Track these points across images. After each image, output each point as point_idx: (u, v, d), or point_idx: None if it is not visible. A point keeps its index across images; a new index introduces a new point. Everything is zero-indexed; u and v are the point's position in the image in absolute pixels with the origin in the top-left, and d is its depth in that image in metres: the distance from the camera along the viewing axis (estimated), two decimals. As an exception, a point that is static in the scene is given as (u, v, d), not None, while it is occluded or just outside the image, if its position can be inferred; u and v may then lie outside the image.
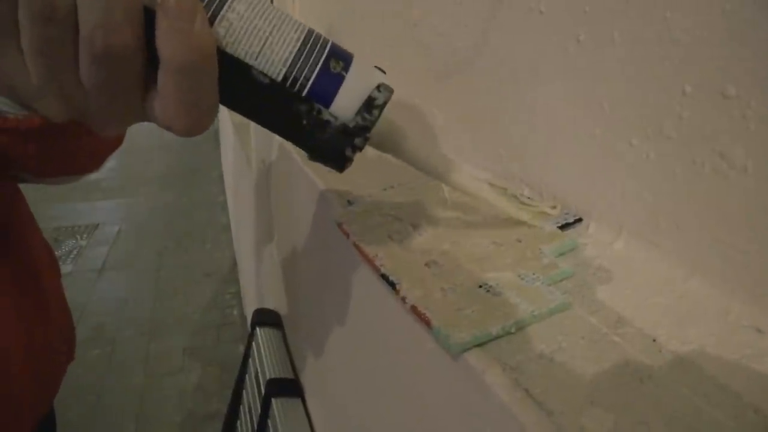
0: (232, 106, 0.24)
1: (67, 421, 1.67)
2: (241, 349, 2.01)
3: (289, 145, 0.66)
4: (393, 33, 0.59)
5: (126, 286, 2.53)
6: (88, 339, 2.11)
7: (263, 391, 0.73)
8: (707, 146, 0.25)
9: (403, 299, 0.29)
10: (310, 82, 0.23)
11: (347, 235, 0.37)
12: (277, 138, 0.78)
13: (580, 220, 0.35)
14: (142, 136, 4.89)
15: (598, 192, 0.33)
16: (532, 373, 0.23)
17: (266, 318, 0.89)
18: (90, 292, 2.45)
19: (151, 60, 0.20)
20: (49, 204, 3.39)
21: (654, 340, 0.24)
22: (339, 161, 0.25)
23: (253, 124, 0.82)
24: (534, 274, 0.29)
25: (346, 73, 0.23)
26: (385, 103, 0.24)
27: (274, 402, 0.69)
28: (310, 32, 0.23)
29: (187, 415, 1.76)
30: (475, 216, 0.37)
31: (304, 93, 0.23)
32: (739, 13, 0.23)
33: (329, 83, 0.23)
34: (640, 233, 0.30)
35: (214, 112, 0.22)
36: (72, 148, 0.41)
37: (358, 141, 0.24)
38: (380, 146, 0.27)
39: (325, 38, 0.24)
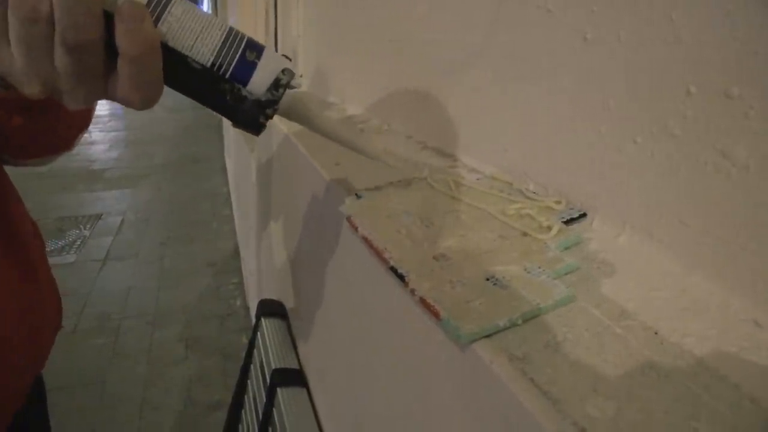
0: (175, 87, 0.30)
1: (71, 409, 1.69)
2: (244, 339, 2.03)
3: (294, 139, 0.67)
4: (399, 28, 0.59)
5: (129, 276, 2.54)
6: (92, 328, 2.12)
7: (268, 381, 0.74)
8: (710, 145, 0.26)
9: (412, 291, 0.30)
10: (232, 67, 0.29)
11: (356, 228, 0.38)
12: (280, 131, 0.79)
13: (584, 215, 0.35)
14: (145, 127, 4.89)
15: (603, 188, 0.34)
16: (538, 363, 0.24)
17: (271, 309, 0.90)
18: (94, 282, 2.46)
19: (112, 51, 0.26)
20: (53, 194, 3.40)
21: (656, 333, 0.25)
22: (255, 127, 0.31)
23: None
24: (540, 267, 0.30)
25: (259, 60, 0.30)
26: (288, 83, 0.30)
27: (279, 392, 0.70)
28: (231, 30, 0.30)
29: (190, 404, 1.77)
30: (482, 210, 0.38)
31: (227, 75, 0.29)
32: (743, 15, 0.23)
33: (246, 68, 0.29)
34: (644, 229, 0.31)
35: (160, 90, 0.29)
36: (51, 123, 0.48)
37: (268, 111, 0.30)
38: (289, 116, 0.33)
39: (243, 35, 0.30)
